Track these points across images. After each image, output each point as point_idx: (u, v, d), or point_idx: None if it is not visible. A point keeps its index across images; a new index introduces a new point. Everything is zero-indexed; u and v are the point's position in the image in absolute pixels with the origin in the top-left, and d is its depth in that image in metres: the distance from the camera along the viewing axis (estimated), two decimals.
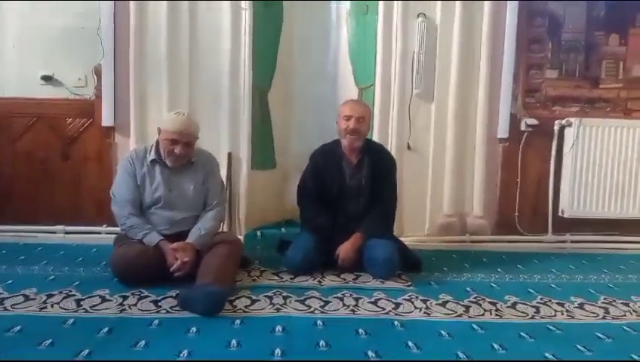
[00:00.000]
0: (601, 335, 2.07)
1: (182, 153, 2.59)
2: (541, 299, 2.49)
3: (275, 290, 2.46)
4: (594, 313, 2.34)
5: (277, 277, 2.69)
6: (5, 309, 2.13)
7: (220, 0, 3.37)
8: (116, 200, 2.62)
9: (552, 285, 2.74)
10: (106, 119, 3.40)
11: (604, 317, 2.29)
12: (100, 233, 3.38)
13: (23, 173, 3.46)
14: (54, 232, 3.40)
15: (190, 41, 3.39)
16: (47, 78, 3.41)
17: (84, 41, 3.37)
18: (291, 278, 2.67)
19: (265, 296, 2.37)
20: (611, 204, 3.62)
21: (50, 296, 2.28)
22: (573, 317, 2.27)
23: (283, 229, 3.57)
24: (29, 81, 3.40)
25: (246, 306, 2.25)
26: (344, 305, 2.31)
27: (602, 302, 2.48)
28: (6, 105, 3.41)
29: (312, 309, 2.25)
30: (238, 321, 2.08)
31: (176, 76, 3.39)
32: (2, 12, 3.39)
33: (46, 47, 3.40)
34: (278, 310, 2.23)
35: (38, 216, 3.44)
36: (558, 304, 2.42)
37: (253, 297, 2.36)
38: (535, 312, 2.31)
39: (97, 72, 3.40)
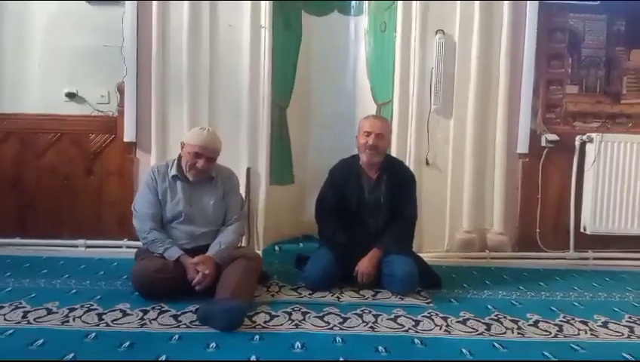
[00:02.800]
0: (626, 355, 2.02)
1: (204, 167, 2.62)
2: (564, 317, 2.44)
3: (293, 306, 2.46)
4: (618, 332, 2.29)
5: (295, 293, 2.68)
6: (28, 322, 2.15)
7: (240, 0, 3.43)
8: (138, 214, 2.65)
9: (575, 303, 2.69)
10: (128, 135, 3.46)
11: (629, 337, 2.24)
12: (120, 247, 3.42)
13: (46, 187, 3.53)
14: (76, 246, 3.45)
15: (210, 58, 3.46)
16: (71, 95, 3.49)
17: (107, 59, 3.45)
18: (310, 294, 2.66)
19: (284, 312, 2.37)
20: (634, 220, 3.57)
21: (72, 309, 2.31)
22: (597, 337, 2.23)
23: (301, 244, 3.59)
24: (53, 98, 3.49)
25: (265, 322, 2.25)
26: (363, 321, 2.30)
27: (627, 321, 2.42)
28: (31, 122, 3.49)
29: (331, 325, 2.24)
30: (257, 337, 2.08)
31: (197, 93, 3.45)
32: (28, 30, 3.48)
33: (70, 65, 3.49)
34: (297, 326, 2.22)
35: (60, 230, 3.50)
36: (581, 322, 2.38)
37: (272, 313, 2.36)
38: (558, 331, 2.27)
39: (120, 89, 3.47)
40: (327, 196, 2.95)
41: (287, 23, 3.71)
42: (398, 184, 2.89)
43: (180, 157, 2.71)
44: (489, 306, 2.56)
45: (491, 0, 3.50)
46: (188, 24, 3.41)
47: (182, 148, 2.69)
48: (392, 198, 2.87)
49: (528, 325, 2.32)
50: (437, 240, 3.59)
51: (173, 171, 2.68)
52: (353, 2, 3.86)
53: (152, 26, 3.40)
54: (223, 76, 3.48)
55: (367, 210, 2.88)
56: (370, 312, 2.41)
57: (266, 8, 3.44)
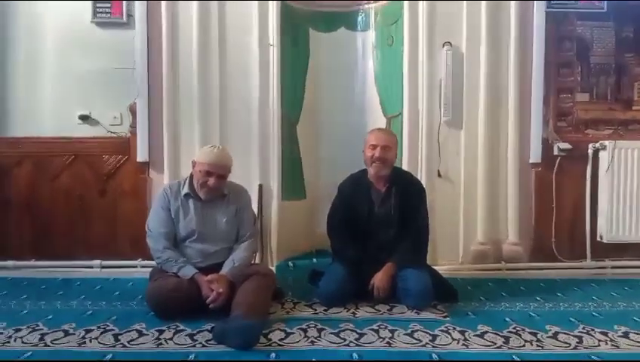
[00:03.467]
0: None
1: (215, 185, 2.64)
2: (583, 328, 2.41)
3: (309, 322, 2.44)
4: (639, 342, 2.25)
5: (310, 309, 2.67)
6: (46, 345, 2.16)
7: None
8: (151, 234, 2.67)
9: (594, 313, 2.65)
10: (141, 155, 3.50)
11: None
12: (135, 267, 3.43)
13: (61, 209, 3.56)
14: (91, 267, 3.47)
15: (220, 78, 3.50)
16: (85, 118, 3.54)
17: (119, 81, 3.50)
18: (325, 310, 2.65)
19: (299, 329, 2.36)
20: None
21: (88, 330, 2.31)
22: (617, 347, 2.19)
23: (314, 259, 3.58)
24: (66, 121, 3.54)
25: (280, 339, 2.24)
26: (379, 337, 2.28)
27: None
28: (45, 145, 3.54)
29: (347, 342, 2.22)
30: (273, 354, 2.07)
31: (208, 112, 3.49)
32: (40, 54, 3.55)
33: (83, 88, 3.54)
34: (312, 343, 2.21)
35: (75, 251, 3.52)
36: (601, 333, 2.34)
37: (288, 330, 2.35)
38: (578, 342, 2.23)
39: (132, 110, 3.51)
40: (338, 211, 2.96)
41: (295, 40, 3.75)
42: (407, 196, 2.88)
43: (191, 176, 2.73)
44: (507, 318, 2.53)
45: (498, 10, 3.51)
46: (197, 44, 3.46)
47: (193, 166, 2.71)
48: (403, 210, 2.86)
49: (547, 337, 2.29)
50: (451, 252, 3.57)
51: (185, 190, 2.70)
52: (360, 17, 3.89)
53: (162, 47, 3.46)
54: (233, 94, 3.52)
55: (377, 223, 2.87)
56: (386, 327, 2.39)
57: (273, 26, 3.48)
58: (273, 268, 3.34)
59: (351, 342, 2.22)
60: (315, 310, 2.66)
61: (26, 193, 3.56)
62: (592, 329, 2.38)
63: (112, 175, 3.55)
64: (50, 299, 2.82)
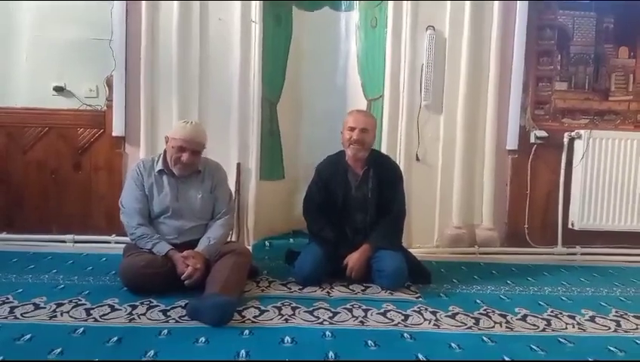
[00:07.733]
0: (612, 349, 2.04)
1: (189, 161, 2.61)
2: (552, 311, 2.46)
3: (283, 301, 2.45)
4: (605, 326, 2.31)
5: (285, 288, 2.68)
6: (15, 318, 2.13)
7: None
8: (125, 210, 2.64)
9: (563, 298, 2.72)
10: (117, 129, 3.44)
11: (615, 331, 2.26)
12: (109, 242, 3.40)
13: (33, 182, 3.49)
14: (64, 241, 3.42)
15: (201, 53, 3.43)
16: (59, 89, 3.45)
17: (96, 53, 3.42)
18: (300, 289, 2.67)
19: (273, 307, 2.37)
20: (622, 216, 3.61)
21: (59, 304, 2.28)
22: (584, 331, 2.25)
23: (291, 239, 3.59)
24: (41, 92, 3.45)
25: (255, 316, 2.25)
26: (353, 316, 2.30)
27: (614, 315, 2.45)
28: (18, 116, 3.45)
29: (320, 320, 2.24)
30: (246, 332, 2.08)
31: (187, 87, 3.43)
32: (16, 24, 3.44)
33: (58, 59, 3.45)
34: (286, 321, 2.22)
35: (48, 226, 3.47)
36: (569, 317, 2.40)
37: (262, 308, 2.35)
38: (546, 325, 2.28)
39: (109, 83, 3.44)
40: (314, 193, 2.95)
41: (278, 17, 3.69)
42: (385, 179, 2.89)
43: (165, 152, 2.69)
44: (478, 301, 2.57)
45: None
46: (178, 17, 3.39)
47: (166, 142, 2.68)
48: (379, 194, 2.87)
49: (517, 319, 2.33)
50: (427, 235, 3.60)
51: (159, 166, 2.67)
52: None
53: (141, 18, 3.38)
54: (213, 70, 3.47)
55: (354, 206, 2.88)
56: (359, 307, 2.42)
57: (256, 2, 3.42)
58: (250, 247, 3.33)
59: (324, 320, 2.24)
60: (290, 289, 2.67)
61: None
62: (560, 313, 2.44)
63: (87, 149, 3.49)
64: (21, 273, 2.77)
